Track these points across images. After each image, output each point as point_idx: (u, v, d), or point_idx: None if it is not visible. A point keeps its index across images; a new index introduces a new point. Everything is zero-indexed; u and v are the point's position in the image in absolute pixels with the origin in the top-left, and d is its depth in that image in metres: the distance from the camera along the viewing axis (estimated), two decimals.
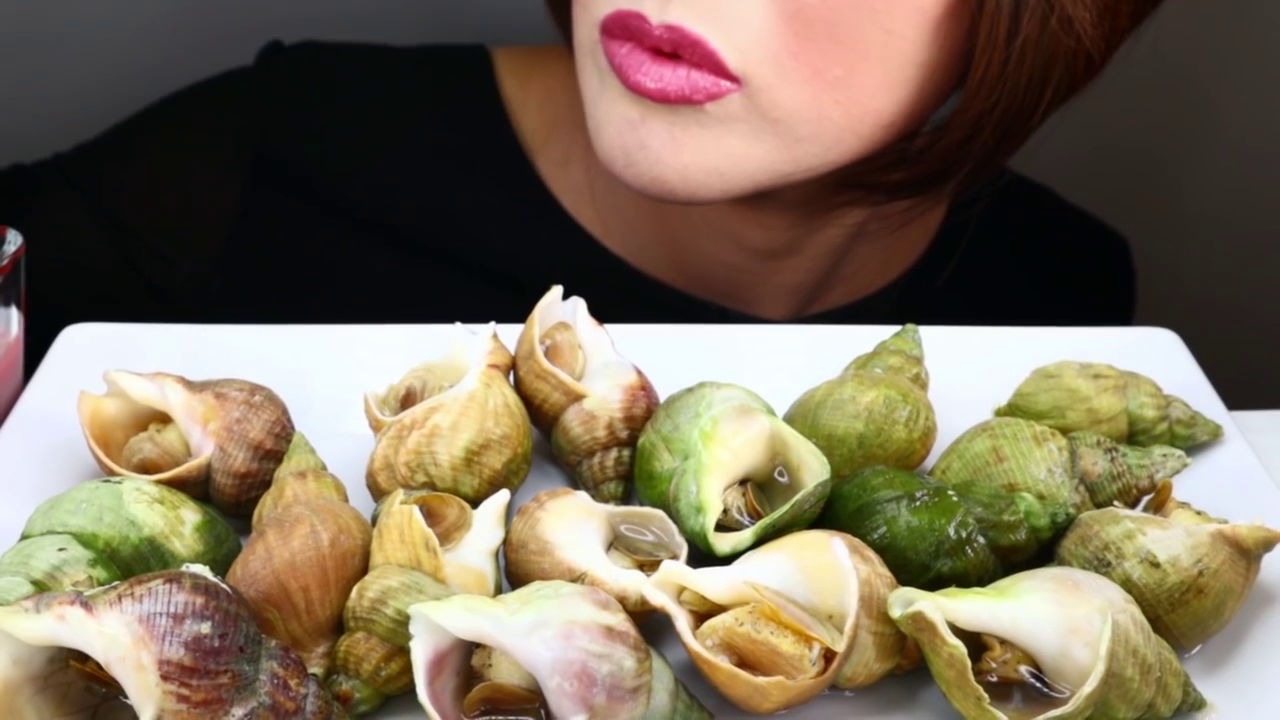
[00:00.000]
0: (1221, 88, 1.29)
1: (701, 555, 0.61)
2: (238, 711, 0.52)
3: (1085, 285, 1.12)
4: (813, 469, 0.62)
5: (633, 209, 0.98)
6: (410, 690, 0.55)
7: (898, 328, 0.72)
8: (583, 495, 0.63)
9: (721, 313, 0.97)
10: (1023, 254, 1.09)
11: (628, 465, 0.68)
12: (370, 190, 1.01)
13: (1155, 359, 0.75)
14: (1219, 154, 1.32)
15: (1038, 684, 0.56)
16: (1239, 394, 0.77)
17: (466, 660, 0.56)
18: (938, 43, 0.80)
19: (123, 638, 0.51)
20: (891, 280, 1.02)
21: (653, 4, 0.79)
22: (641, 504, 0.66)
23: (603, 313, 0.71)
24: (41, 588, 0.57)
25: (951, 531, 0.60)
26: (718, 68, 0.78)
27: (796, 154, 0.82)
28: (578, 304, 0.71)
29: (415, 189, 1.01)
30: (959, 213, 1.02)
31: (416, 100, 1.03)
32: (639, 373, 0.69)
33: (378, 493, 0.65)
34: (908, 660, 0.58)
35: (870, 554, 0.58)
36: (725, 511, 0.62)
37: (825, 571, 0.56)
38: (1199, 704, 0.58)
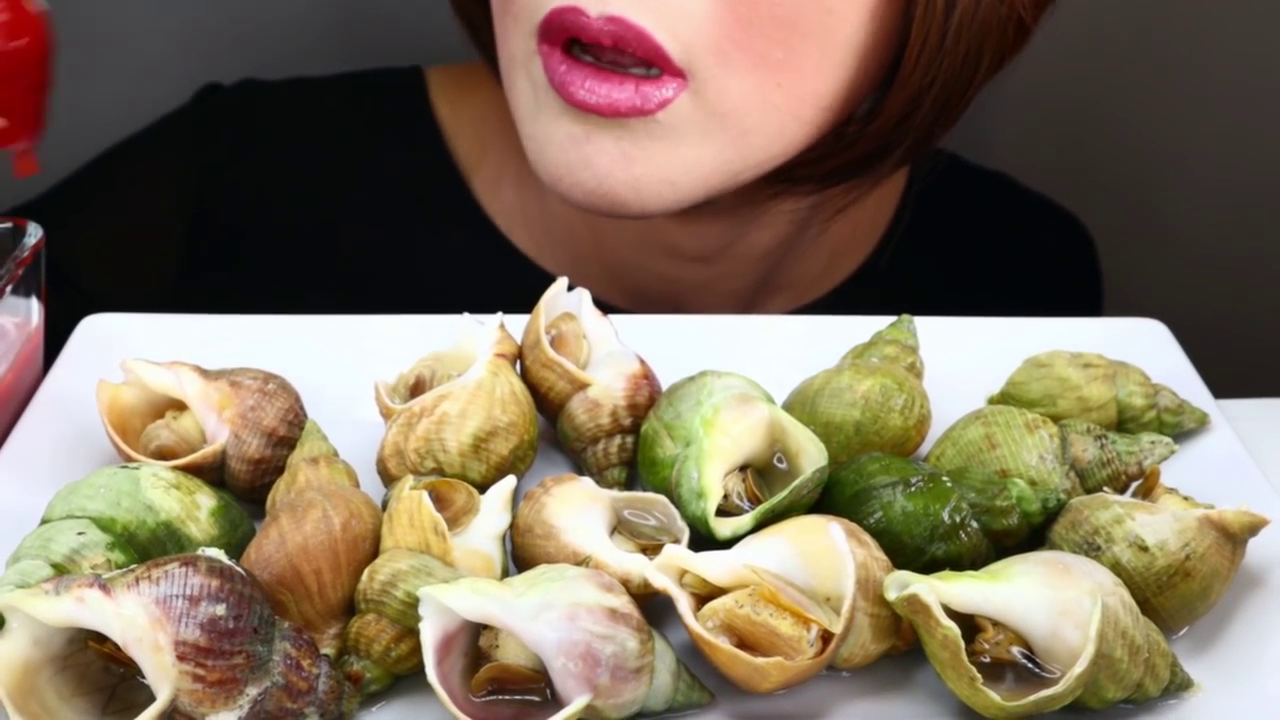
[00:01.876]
0: (1193, 85, 1.29)
1: (702, 539, 0.61)
2: (252, 691, 0.52)
3: (1047, 270, 1.09)
4: (811, 455, 0.62)
5: (565, 229, 0.96)
6: (419, 670, 0.55)
7: (893, 318, 0.72)
8: (587, 481, 0.63)
9: None
10: (978, 245, 1.06)
11: (631, 452, 0.68)
12: (309, 223, 0.99)
13: (1144, 349, 0.75)
14: (1204, 151, 1.32)
15: (1029, 664, 0.56)
16: (1225, 383, 0.76)
17: (474, 641, 0.56)
18: (875, 22, 0.78)
19: (140, 619, 0.51)
20: (838, 283, 0.99)
21: None
22: (644, 489, 0.66)
23: None
24: (61, 571, 0.57)
25: (946, 516, 0.60)
26: (662, 61, 0.75)
27: (743, 149, 0.80)
28: (583, 295, 0.71)
29: (354, 219, 0.99)
30: (905, 214, 1.00)
31: (353, 129, 1.01)
32: (642, 362, 0.69)
33: (388, 478, 0.64)
34: (903, 642, 0.58)
35: (867, 538, 0.58)
36: (726, 497, 0.62)
37: (823, 555, 0.56)
38: (1186, 684, 0.58)
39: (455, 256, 0.97)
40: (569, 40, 0.77)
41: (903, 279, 0.99)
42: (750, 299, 0.98)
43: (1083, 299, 1.10)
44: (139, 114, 1.03)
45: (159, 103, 1.03)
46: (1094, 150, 1.30)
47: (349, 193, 1.00)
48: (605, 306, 0.94)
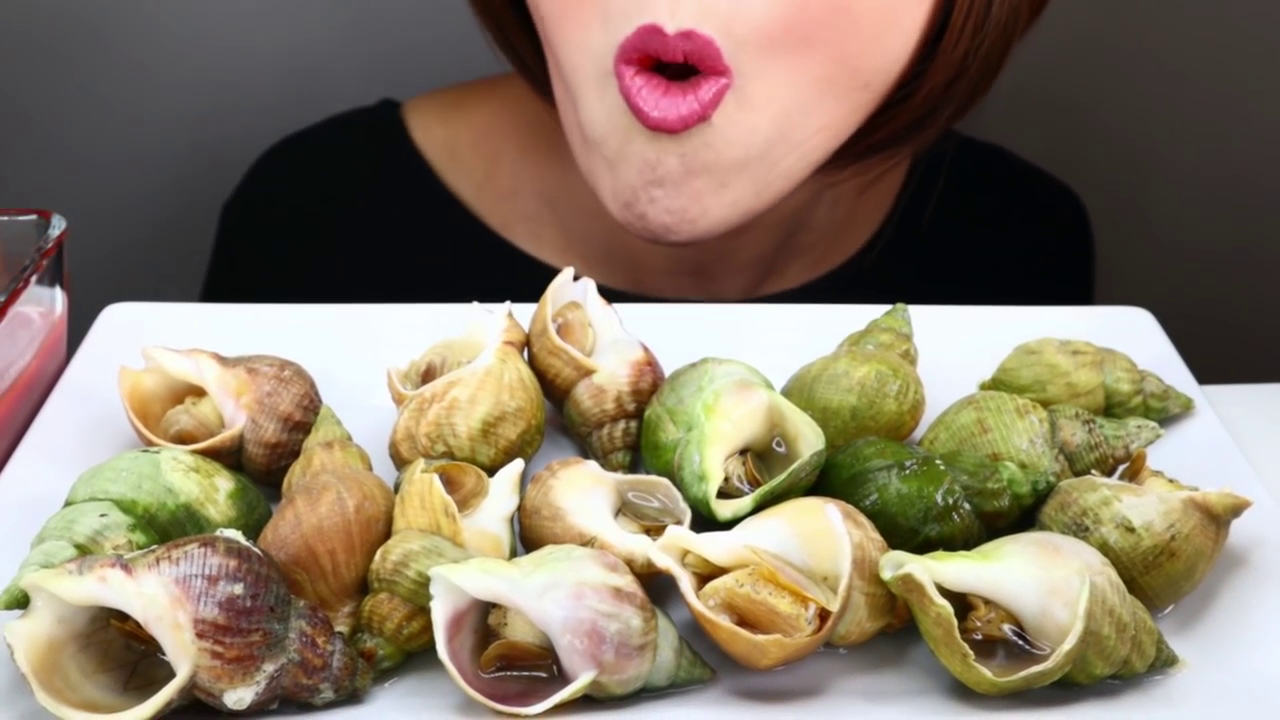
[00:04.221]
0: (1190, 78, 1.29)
1: (704, 521, 0.61)
2: (268, 667, 0.52)
3: (1043, 242, 1.08)
4: (809, 440, 0.62)
5: (590, 224, 0.94)
6: (430, 648, 0.55)
7: (888, 307, 0.72)
8: (593, 464, 0.62)
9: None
10: (980, 214, 1.05)
11: (635, 436, 0.68)
12: (315, 276, 0.97)
13: (1131, 336, 0.75)
14: (1189, 144, 1.32)
15: (1020, 642, 0.56)
16: (1209, 369, 0.76)
17: (483, 619, 0.56)
18: (926, 3, 0.77)
19: (160, 598, 0.51)
20: (850, 256, 0.99)
21: (664, 11, 0.73)
22: (648, 473, 0.66)
23: None
24: (84, 551, 0.57)
25: (939, 498, 0.60)
26: (712, 60, 0.74)
27: (785, 130, 0.78)
28: (588, 284, 0.71)
29: (359, 265, 0.97)
30: (915, 179, 1.00)
31: (339, 173, 0.98)
32: (645, 349, 0.69)
33: (400, 462, 0.64)
34: (898, 619, 0.58)
35: (863, 519, 0.58)
36: (726, 480, 0.62)
37: (820, 536, 0.56)
38: (1171, 660, 0.58)
39: (468, 281, 0.96)
40: (650, 61, 0.75)
41: (911, 250, 0.98)
42: (770, 264, 0.96)
43: (1074, 264, 1.10)
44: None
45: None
46: (1081, 144, 1.30)
47: (348, 237, 0.98)
48: (632, 292, 0.92)
